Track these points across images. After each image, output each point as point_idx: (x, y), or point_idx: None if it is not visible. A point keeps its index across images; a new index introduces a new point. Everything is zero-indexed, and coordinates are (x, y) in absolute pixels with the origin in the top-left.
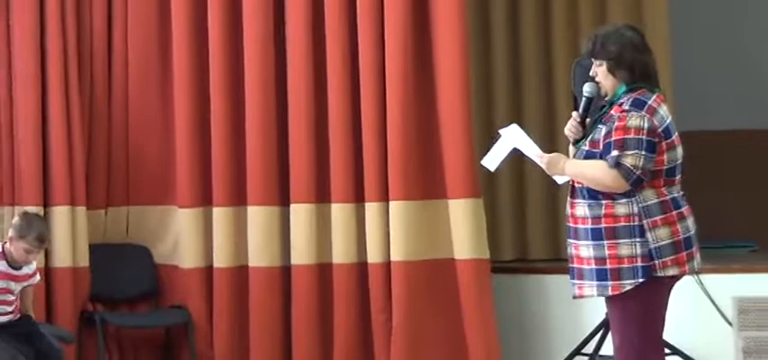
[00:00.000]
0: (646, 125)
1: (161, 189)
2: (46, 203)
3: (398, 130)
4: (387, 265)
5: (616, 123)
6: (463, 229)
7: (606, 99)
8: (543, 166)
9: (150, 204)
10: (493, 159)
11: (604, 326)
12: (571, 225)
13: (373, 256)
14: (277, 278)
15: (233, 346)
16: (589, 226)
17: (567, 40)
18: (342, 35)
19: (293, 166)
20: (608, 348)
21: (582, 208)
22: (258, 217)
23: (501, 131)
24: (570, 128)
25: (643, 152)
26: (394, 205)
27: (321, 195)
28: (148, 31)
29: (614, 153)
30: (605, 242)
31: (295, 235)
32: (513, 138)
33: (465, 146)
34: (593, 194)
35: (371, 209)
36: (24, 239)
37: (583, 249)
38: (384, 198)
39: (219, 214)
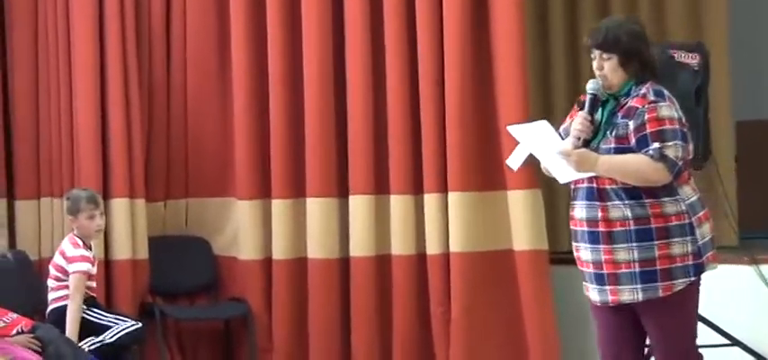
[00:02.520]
0: (676, 114)
1: (220, 181)
2: (105, 196)
3: (457, 120)
4: (445, 256)
5: (647, 115)
6: (522, 219)
7: (609, 94)
8: (572, 163)
9: (209, 197)
10: (517, 158)
11: None
12: (601, 230)
13: (432, 247)
14: (336, 270)
15: (292, 338)
16: (632, 228)
17: None
18: (400, 25)
19: (352, 157)
20: None
21: (619, 210)
22: (317, 208)
23: (525, 127)
24: (582, 128)
25: (680, 142)
26: (453, 196)
27: (380, 187)
28: (207, 23)
29: (656, 145)
30: (656, 242)
31: (354, 226)
32: (539, 134)
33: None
34: (633, 195)
35: (430, 200)
36: (81, 212)
37: (621, 253)
38: (443, 189)
39: (278, 206)
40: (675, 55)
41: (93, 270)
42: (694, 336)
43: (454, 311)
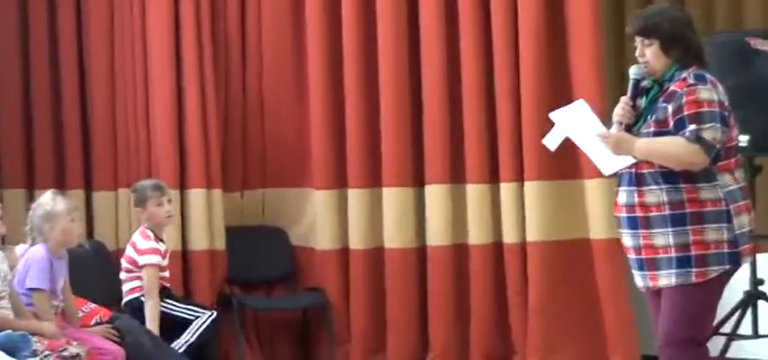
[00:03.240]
0: (716, 97)
1: (297, 171)
2: (182, 186)
3: (533, 109)
4: (522, 245)
5: (685, 98)
6: (598, 208)
7: (654, 79)
8: (609, 145)
9: (286, 187)
10: (555, 138)
11: (743, 305)
12: (639, 215)
13: (509, 236)
14: (413, 259)
15: (369, 328)
16: (667, 212)
17: (702, 14)
18: (475, 16)
19: (428, 146)
20: (746, 328)
21: (655, 195)
22: (393, 198)
23: (565, 109)
24: (623, 112)
25: (718, 124)
26: (529, 186)
27: (456, 176)
28: (282, 13)
29: (692, 127)
30: (689, 228)
31: (430, 216)
32: (577, 115)
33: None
34: (670, 179)
35: (507, 189)
36: (149, 200)
37: (658, 238)
38: (519, 178)
39: (355, 196)
40: (751, 42)
41: (165, 262)
42: (706, 327)
43: (531, 301)
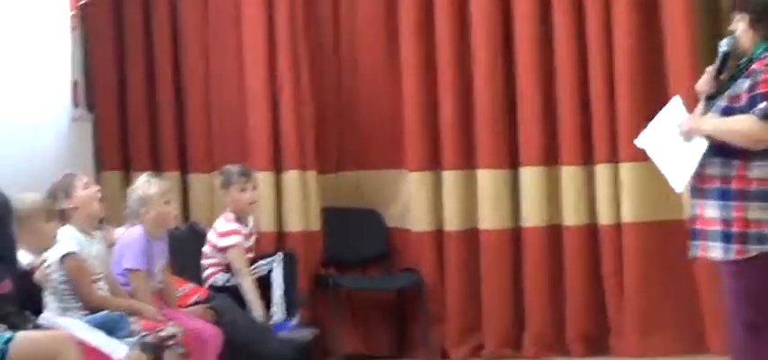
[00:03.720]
0: None
1: (391, 153)
2: (277, 168)
3: (627, 90)
4: (617, 226)
5: (762, 76)
6: None
7: (744, 57)
8: (683, 131)
9: (381, 168)
10: (649, 137)
11: None
12: (698, 185)
13: (603, 217)
14: (507, 240)
15: (464, 309)
16: (718, 186)
17: None
18: None
19: (522, 128)
20: None
21: (713, 167)
22: (488, 179)
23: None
24: (704, 81)
25: None
26: (624, 166)
27: (551, 157)
28: None
29: (762, 105)
30: (733, 203)
31: (525, 197)
32: (671, 112)
33: (693, 105)
34: (725, 152)
35: (601, 170)
36: (233, 185)
37: (709, 209)
38: (614, 159)
39: (449, 177)
40: None
41: (248, 243)
42: (760, 310)
43: (627, 281)
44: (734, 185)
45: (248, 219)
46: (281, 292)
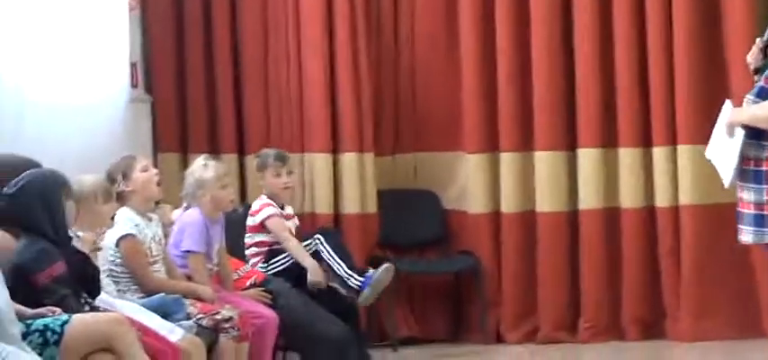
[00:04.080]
0: None
1: (449, 135)
2: (334, 150)
3: (685, 73)
4: (675, 209)
5: None
6: None
7: None
8: (726, 127)
9: (438, 150)
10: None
11: None
12: (740, 168)
13: (661, 200)
14: (564, 223)
15: (521, 291)
16: (752, 168)
17: None
18: None
19: (580, 110)
20: None
21: (748, 149)
22: (545, 162)
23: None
24: (752, 54)
25: None
26: (682, 149)
27: (608, 140)
28: None
29: None
30: (764, 186)
31: (582, 180)
32: (724, 115)
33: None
34: (758, 135)
35: (659, 153)
36: (268, 168)
37: (745, 192)
38: (671, 142)
39: (507, 160)
40: None
41: (287, 222)
42: None
43: (684, 264)
44: (765, 167)
45: (285, 203)
46: (340, 262)
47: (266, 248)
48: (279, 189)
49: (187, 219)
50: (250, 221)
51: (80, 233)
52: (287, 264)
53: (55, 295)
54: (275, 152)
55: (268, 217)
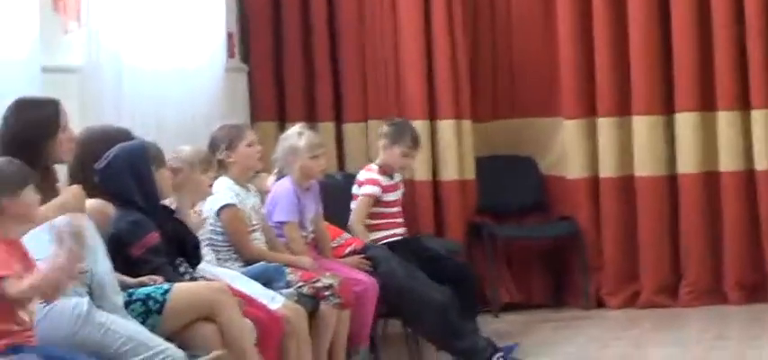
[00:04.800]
0: None
1: (546, 100)
2: (431, 117)
3: None
4: None
5: None
6: None
7: None
8: None
9: (536, 116)
10: None
11: None
12: None
13: (761, 163)
14: (663, 186)
15: (621, 256)
16: None
17: None
18: None
19: (677, 74)
20: None
21: None
22: (643, 126)
23: None
24: None
25: None
26: None
27: (707, 103)
28: None
29: None
30: None
31: (680, 143)
32: None
33: None
34: None
35: (758, 116)
36: (398, 145)
37: None
38: None
39: (605, 124)
40: None
41: (389, 196)
42: None
43: None
44: None
45: (395, 174)
46: None
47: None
48: (398, 166)
49: (279, 189)
50: (355, 190)
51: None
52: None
53: (150, 265)
54: (413, 133)
55: (361, 195)
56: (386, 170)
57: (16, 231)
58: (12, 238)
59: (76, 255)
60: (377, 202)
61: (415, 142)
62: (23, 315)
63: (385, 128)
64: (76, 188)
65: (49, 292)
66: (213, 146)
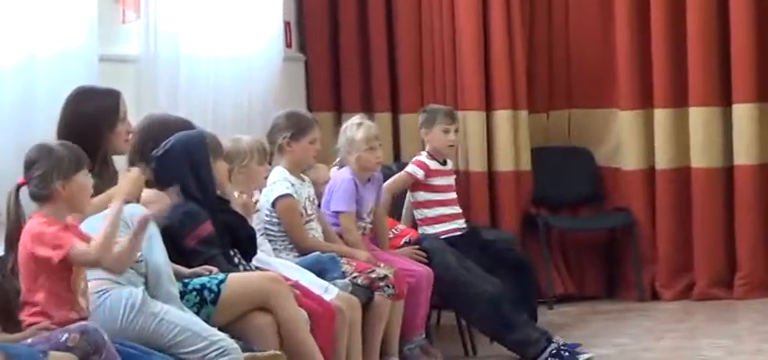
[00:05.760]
0: None
1: (602, 92)
2: (488, 107)
3: None
4: None
5: None
6: None
7: None
8: None
9: (592, 107)
10: None
11: None
12: None
13: None
14: (719, 178)
15: (676, 248)
16: None
17: None
18: None
19: (735, 66)
20: None
21: None
22: (700, 118)
23: None
24: None
25: None
26: None
27: (764, 94)
28: None
29: None
30: None
31: (737, 135)
32: None
33: None
34: None
35: None
36: (437, 124)
37: None
38: None
39: (661, 116)
40: None
41: (438, 181)
42: None
43: None
44: None
45: (446, 159)
46: None
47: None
48: (444, 145)
49: (337, 178)
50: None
51: (236, 193)
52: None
53: (203, 256)
54: (445, 109)
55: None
56: (434, 155)
57: (70, 216)
58: (66, 221)
59: (139, 240)
60: (424, 187)
61: (450, 115)
62: (82, 302)
63: (419, 118)
64: (136, 171)
65: (112, 261)
66: (276, 129)
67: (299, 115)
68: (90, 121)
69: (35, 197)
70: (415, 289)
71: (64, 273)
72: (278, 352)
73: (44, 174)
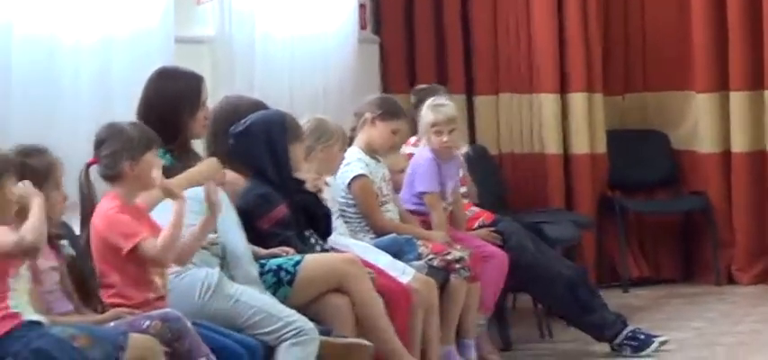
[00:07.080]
0: None
1: (678, 74)
2: (563, 90)
3: None
4: None
5: None
6: None
7: None
8: None
9: (668, 90)
10: None
11: None
12: None
13: None
14: None
15: (753, 231)
16: None
17: None
18: None
19: None
20: None
21: None
22: None
23: None
24: None
25: None
26: None
27: None
28: None
29: None
30: None
31: None
32: None
33: None
34: None
35: None
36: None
37: None
38: None
39: (737, 98)
40: None
41: None
42: None
43: None
44: None
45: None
46: None
47: None
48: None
49: (417, 159)
50: None
51: (308, 175)
52: None
53: (278, 238)
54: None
55: None
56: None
57: (137, 196)
58: (136, 205)
59: (210, 223)
60: None
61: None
62: (158, 281)
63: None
64: (213, 159)
65: (173, 259)
66: (367, 104)
67: (392, 101)
68: (171, 102)
69: (104, 176)
70: (491, 271)
71: (134, 258)
72: (354, 339)
73: (113, 153)
